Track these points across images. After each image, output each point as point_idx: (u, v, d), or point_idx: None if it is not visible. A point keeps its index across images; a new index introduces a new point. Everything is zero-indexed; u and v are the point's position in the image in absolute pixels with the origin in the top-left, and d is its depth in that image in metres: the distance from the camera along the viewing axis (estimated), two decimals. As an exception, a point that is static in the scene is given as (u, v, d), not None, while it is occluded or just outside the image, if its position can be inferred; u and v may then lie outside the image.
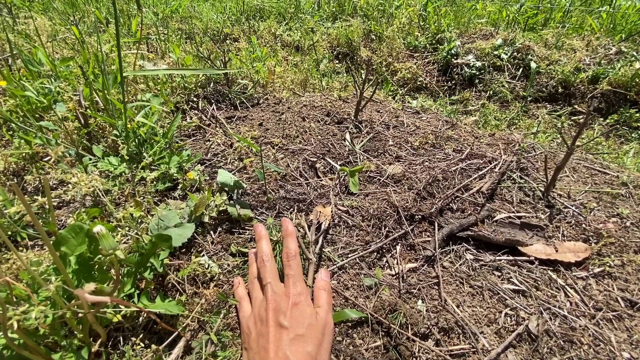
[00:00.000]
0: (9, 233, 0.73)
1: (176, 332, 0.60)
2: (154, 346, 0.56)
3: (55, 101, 0.96)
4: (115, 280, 0.45)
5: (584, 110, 1.87)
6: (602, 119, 1.85)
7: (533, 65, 1.92)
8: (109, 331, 0.62)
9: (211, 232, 0.80)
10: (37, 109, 1.02)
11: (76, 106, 1.01)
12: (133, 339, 0.58)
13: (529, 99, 1.92)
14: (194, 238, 0.77)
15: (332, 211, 0.85)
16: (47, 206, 0.56)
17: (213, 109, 1.32)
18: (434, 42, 2.16)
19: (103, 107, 1.05)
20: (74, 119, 1.03)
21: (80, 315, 0.56)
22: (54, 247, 0.56)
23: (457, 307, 0.66)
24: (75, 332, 0.56)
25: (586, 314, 0.66)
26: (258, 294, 0.58)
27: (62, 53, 1.54)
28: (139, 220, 0.68)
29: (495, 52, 2.04)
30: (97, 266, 0.60)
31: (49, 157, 0.62)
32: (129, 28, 2.02)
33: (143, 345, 0.57)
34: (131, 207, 0.63)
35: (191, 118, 1.25)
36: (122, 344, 0.60)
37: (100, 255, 0.47)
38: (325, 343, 0.51)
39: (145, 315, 0.64)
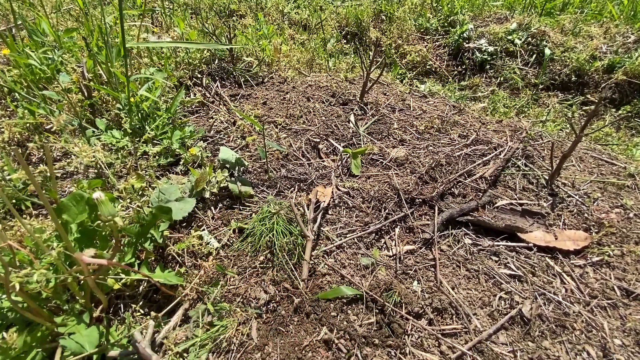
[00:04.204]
0: (14, 201, 0.75)
1: (176, 300, 0.62)
2: (153, 313, 0.57)
3: (58, 71, 0.95)
4: (115, 246, 0.46)
5: (596, 100, 1.82)
6: (614, 109, 1.81)
7: (547, 51, 1.86)
8: (110, 298, 0.63)
9: (212, 207, 0.81)
10: (41, 79, 1.02)
11: (80, 78, 1.01)
12: (133, 306, 0.59)
13: (541, 86, 1.88)
14: (194, 213, 0.78)
15: (332, 192, 0.85)
16: (48, 174, 0.56)
17: (217, 86, 1.31)
18: (446, 24, 2.10)
19: (106, 80, 1.05)
20: (77, 91, 1.03)
21: (82, 281, 0.57)
22: (55, 214, 0.57)
23: (452, 289, 0.67)
24: (77, 298, 0.58)
25: (581, 300, 0.66)
26: None
27: (67, 24, 1.52)
28: (140, 193, 0.68)
29: (509, 37, 1.97)
30: (98, 234, 0.61)
31: (50, 126, 0.62)
32: (133, 1, 1.98)
33: (143, 312, 0.59)
34: (133, 179, 0.64)
35: (195, 95, 1.24)
36: (122, 310, 0.62)
37: (100, 223, 0.47)
38: None
39: (145, 284, 0.65)
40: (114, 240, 0.69)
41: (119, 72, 0.98)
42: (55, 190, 0.56)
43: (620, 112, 1.77)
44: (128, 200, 0.69)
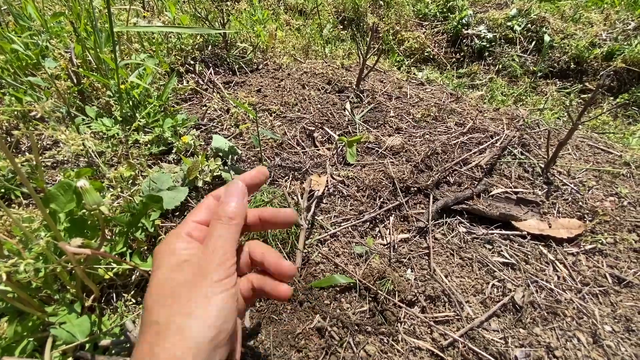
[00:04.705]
0: (2, 191, 0.73)
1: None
2: (145, 303, 0.57)
3: (43, 56, 0.93)
4: (102, 236, 0.45)
5: (594, 88, 1.81)
6: (612, 97, 1.79)
7: (547, 38, 1.83)
8: (102, 288, 0.63)
9: (205, 196, 0.80)
10: (28, 65, 0.99)
11: (68, 64, 0.98)
12: (125, 295, 0.59)
13: (539, 74, 1.86)
14: (187, 202, 0.77)
15: (327, 180, 0.84)
16: (34, 162, 0.55)
17: (210, 73, 1.28)
18: (445, 10, 2.06)
19: (96, 66, 1.02)
20: (66, 78, 1.01)
21: (73, 271, 0.57)
22: (43, 204, 0.56)
23: (446, 277, 0.67)
24: (68, 287, 0.58)
25: (573, 288, 0.67)
26: None
27: (55, 9, 1.48)
28: (130, 181, 0.67)
29: (509, 23, 1.94)
30: (88, 224, 0.61)
31: (35, 113, 0.60)
32: (124, -15, 1.92)
33: (135, 301, 0.59)
34: (122, 168, 0.63)
35: (188, 82, 1.22)
36: (115, 300, 0.62)
37: (90, 213, 0.46)
38: None
39: (137, 273, 0.65)
40: (107, 229, 0.68)
41: (108, 58, 0.95)
42: (42, 179, 0.55)
43: (617, 100, 1.76)
44: (119, 189, 0.68)
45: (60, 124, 0.82)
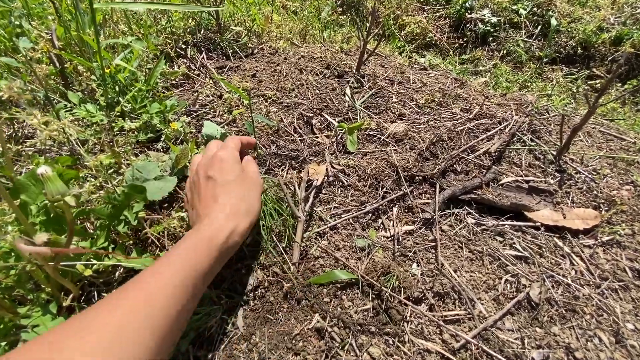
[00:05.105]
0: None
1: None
2: (128, 302, 0.52)
3: (18, 35, 0.86)
4: (69, 231, 0.40)
5: (601, 74, 1.75)
6: (619, 84, 1.74)
7: (553, 22, 1.76)
8: (83, 286, 0.58)
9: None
10: (7, 48, 0.93)
11: (49, 46, 0.91)
12: (107, 294, 0.54)
13: (545, 60, 1.79)
14: (176, 193, 0.72)
15: (326, 169, 0.79)
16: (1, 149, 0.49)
17: (203, 57, 1.21)
18: (447, -7, 1.98)
19: (79, 49, 0.96)
20: (48, 63, 0.94)
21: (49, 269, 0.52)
22: (11, 194, 0.50)
23: (455, 272, 0.62)
24: (43, 286, 0.53)
25: (591, 283, 0.62)
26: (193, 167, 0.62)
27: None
28: (112, 170, 0.62)
29: (514, 7, 1.87)
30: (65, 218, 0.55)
31: (2, 94, 0.54)
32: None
33: (118, 301, 0.54)
34: (103, 156, 0.57)
35: (179, 67, 1.15)
36: (96, 298, 0.57)
37: (53, 204, 0.41)
38: (254, 191, 0.55)
39: (121, 270, 0.60)
40: (88, 223, 0.63)
41: (90, 39, 0.89)
42: (10, 167, 0.50)
43: (626, 86, 1.70)
44: (101, 179, 0.62)
45: (34, 107, 0.76)
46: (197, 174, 0.56)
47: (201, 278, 0.44)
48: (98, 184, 0.63)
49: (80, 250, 0.40)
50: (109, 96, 0.88)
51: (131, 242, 0.64)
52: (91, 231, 0.64)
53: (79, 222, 0.64)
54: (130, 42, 0.98)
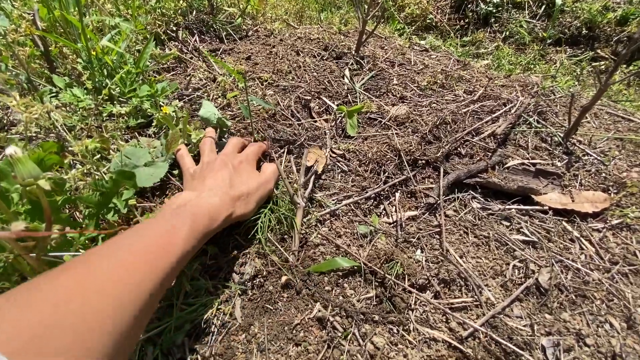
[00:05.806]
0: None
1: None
2: (119, 294, 0.49)
3: (-5, 14, 0.81)
4: (47, 219, 0.37)
5: (606, 56, 1.70)
6: (624, 65, 1.69)
7: (558, 1, 1.71)
8: (73, 277, 0.55)
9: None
10: (-14, 30, 0.88)
11: (31, 27, 0.86)
12: (97, 285, 0.51)
13: (549, 41, 1.74)
14: (168, 179, 0.69)
15: (326, 154, 0.76)
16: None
17: (195, 40, 1.16)
18: (448, -28, 1.91)
19: (63, 31, 0.91)
20: (31, 45, 0.90)
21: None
22: (-11, 181, 0.47)
23: (460, 257, 0.60)
24: (29, 278, 0.50)
25: (601, 267, 0.60)
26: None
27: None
28: (99, 155, 0.59)
29: (517, -14, 1.81)
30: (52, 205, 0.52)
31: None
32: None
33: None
34: (88, 141, 0.54)
35: (170, 50, 1.10)
36: (87, 290, 0.54)
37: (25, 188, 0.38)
38: (260, 191, 0.58)
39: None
40: (77, 211, 0.60)
41: (76, 19, 0.84)
42: (-13, 152, 0.46)
43: (631, 68, 1.66)
44: (88, 166, 0.59)
45: (13, 89, 0.72)
46: (217, 158, 0.61)
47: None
48: (85, 171, 0.60)
49: (45, 234, 0.37)
50: (96, 79, 0.83)
51: (122, 230, 0.61)
52: (80, 220, 0.61)
53: (67, 210, 0.61)
54: (118, 23, 0.93)
